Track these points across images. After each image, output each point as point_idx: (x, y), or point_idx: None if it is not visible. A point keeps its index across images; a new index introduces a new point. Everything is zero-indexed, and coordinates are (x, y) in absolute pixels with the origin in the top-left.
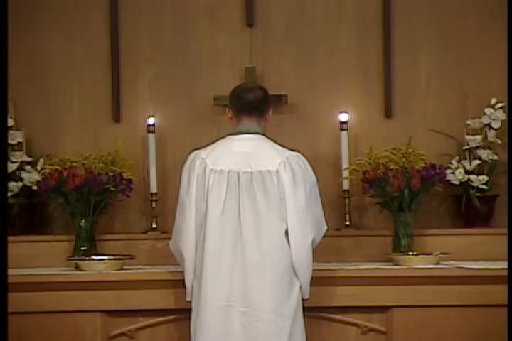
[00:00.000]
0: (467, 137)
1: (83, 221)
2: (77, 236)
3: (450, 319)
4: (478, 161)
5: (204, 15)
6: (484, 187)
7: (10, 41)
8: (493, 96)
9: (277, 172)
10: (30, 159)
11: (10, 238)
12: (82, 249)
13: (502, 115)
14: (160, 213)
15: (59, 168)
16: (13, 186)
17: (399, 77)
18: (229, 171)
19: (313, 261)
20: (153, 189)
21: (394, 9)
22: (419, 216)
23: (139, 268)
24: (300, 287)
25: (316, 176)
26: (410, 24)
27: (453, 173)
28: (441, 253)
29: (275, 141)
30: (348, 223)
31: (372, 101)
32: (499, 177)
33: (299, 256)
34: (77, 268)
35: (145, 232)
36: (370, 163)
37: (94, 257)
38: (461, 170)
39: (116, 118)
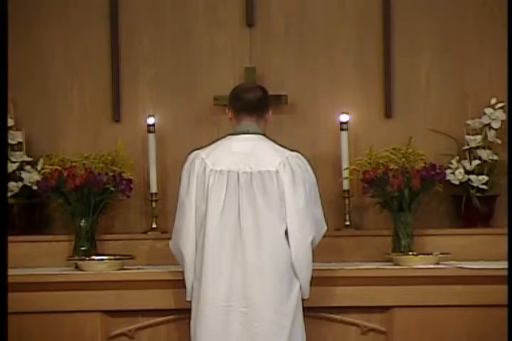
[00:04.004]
0: (467, 137)
1: (83, 221)
2: (77, 236)
3: (450, 319)
4: (478, 161)
5: (204, 15)
6: (484, 187)
7: (10, 41)
8: (493, 96)
9: (277, 172)
10: (30, 159)
11: (10, 238)
12: (82, 249)
13: (502, 115)
14: (160, 213)
15: (59, 168)
16: (13, 186)
17: (399, 77)
18: (229, 171)
19: (313, 261)
20: (153, 189)
21: (394, 9)
22: (419, 216)
23: (138, 268)
24: (300, 287)
25: (316, 176)
26: (410, 24)
27: (453, 173)
28: (441, 253)
29: (275, 141)
30: (348, 223)
31: (372, 101)
32: (499, 177)
33: (298, 256)
34: (77, 268)
35: (145, 232)
36: (370, 163)
37: (94, 257)
38: (461, 170)
39: (116, 118)
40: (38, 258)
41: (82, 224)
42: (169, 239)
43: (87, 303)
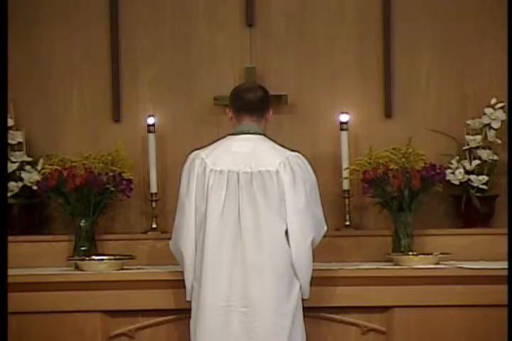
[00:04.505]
0: (467, 137)
1: (83, 221)
2: (77, 236)
3: (450, 319)
4: (478, 161)
5: (204, 15)
6: (484, 187)
7: (10, 41)
8: (493, 96)
9: (277, 172)
10: (30, 159)
11: (10, 238)
12: (82, 249)
13: (502, 115)
14: (160, 213)
15: (59, 168)
16: (13, 186)
17: (399, 77)
18: (229, 171)
19: (313, 261)
20: (153, 189)
21: (394, 9)
22: (419, 216)
23: (139, 268)
24: (300, 287)
25: (316, 176)
26: (410, 24)
27: (453, 173)
28: (441, 253)
29: (275, 141)
30: (348, 223)
31: (372, 102)
32: (499, 177)
33: (298, 256)
34: (77, 268)
35: (145, 232)
36: (370, 163)
37: (94, 257)
38: (461, 170)
39: (116, 118)
40: (38, 258)
41: (82, 224)
42: (169, 239)
43: (87, 303)
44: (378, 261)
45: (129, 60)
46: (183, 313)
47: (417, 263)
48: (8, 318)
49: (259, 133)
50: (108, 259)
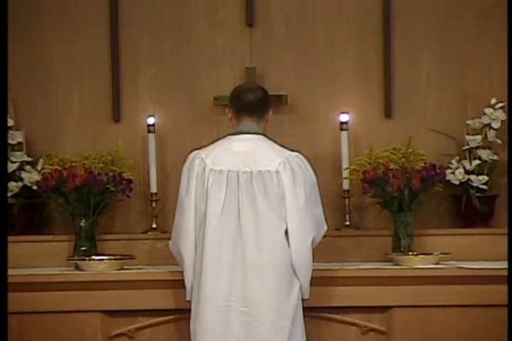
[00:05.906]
0: (467, 137)
1: (83, 221)
2: (77, 236)
3: (450, 319)
4: (478, 161)
5: (204, 15)
6: (484, 187)
7: (10, 41)
8: (493, 96)
9: (277, 172)
10: (30, 159)
11: (10, 238)
12: (82, 249)
13: (502, 115)
14: (160, 213)
15: (59, 168)
16: (13, 186)
17: (399, 77)
18: (228, 171)
19: (313, 261)
20: (153, 189)
21: (394, 9)
22: (419, 216)
23: (139, 268)
24: (300, 287)
25: (316, 176)
26: (410, 24)
27: (453, 173)
28: (441, 253)
29: (275, 141)
30: (348, 223)
31: (372, 101)
32: (499, 177)
33: (298, 256)
34: (77, 268)
35: (145, 232)
36: (370, 163)
37: (94, 257)
38: (461, 170)
39: (116, 118)
40: (38, 258)
41: (82, 224)
42: (169, 239)
43: (87, 303)
44: (378, 261)
45: (129, 60)
46: (183, 313)
47: (417, 263)
48: (8, 318)
49: (259, 133)
50: (108, 259)
